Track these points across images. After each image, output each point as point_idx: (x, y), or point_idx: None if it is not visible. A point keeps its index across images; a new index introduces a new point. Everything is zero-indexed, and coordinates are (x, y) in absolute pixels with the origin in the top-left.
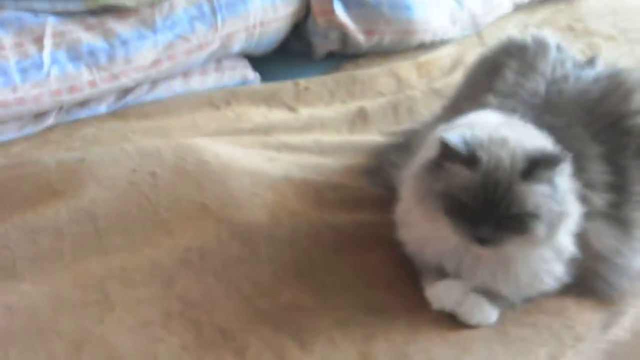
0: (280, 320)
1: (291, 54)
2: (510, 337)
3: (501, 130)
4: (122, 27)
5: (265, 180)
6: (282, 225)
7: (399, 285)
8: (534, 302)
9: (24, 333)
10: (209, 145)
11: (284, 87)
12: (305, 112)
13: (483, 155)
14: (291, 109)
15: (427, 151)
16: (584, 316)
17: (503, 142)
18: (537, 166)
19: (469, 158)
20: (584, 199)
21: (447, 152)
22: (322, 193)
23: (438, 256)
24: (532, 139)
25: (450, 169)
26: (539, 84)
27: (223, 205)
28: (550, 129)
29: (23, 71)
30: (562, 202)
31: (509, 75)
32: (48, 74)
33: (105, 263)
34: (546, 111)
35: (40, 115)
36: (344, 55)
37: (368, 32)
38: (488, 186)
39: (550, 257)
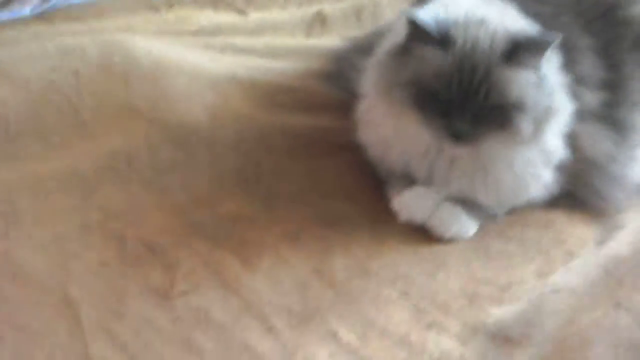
0: (218, 233)
1: None
2: (491, 252)
3: (479, 10)
4: None
5: (205, 80)
6: (224, 127)
7: (359, 196)
8: (519, 214)
9: None
10: (141, 42)
11: None
12: (256, 16)
13: (458, 35)
14: (241, 12)
15: (394, 37)
16: (576, 230)
17: (481, 22)
18: (520, 48)
19: (441, 38)
20: (575, 96)
21: (416, 32)
22: (272, 95)
23: (405, 160)
24: (514, 20)
25: (420, 52)
26: None
27: (154, 105)
28: (535, 17)
29: None
30: (551, 95)
31: None
32: None
33: (16, 170)
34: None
35: None
36: None
37: None
38: (464, 70)
39: (537, 160)
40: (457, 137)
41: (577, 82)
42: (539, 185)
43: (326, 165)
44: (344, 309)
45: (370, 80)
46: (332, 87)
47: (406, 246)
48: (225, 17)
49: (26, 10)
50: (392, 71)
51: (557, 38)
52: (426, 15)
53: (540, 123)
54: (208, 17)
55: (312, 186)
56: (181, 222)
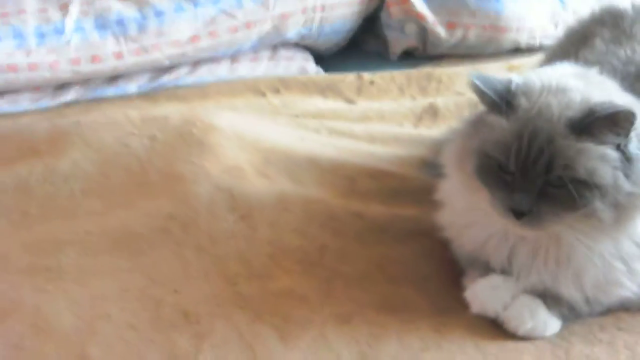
0: (264, 307)
1: (364, 54)
2: (572, 354)
3: (567, 80)
4: None
5: (282, 160)
6: (290, 211)
7: (428, 284)
8: (615, 316)
9: None
10: (226, 116)
11: (345, 78)
12: (364, 105)
13: (522, 101)
14: (350, 101)
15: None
16: None
17: (561, 90)
18: (596, 121)
19: (503, 103)
20: None
21: (481, 98)
22: (354, 181)
23: (481, 244)
24: (607, 93)
25: (487, 119)
26: (635, 53)
27: (225, 172)
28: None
29: (40, 36)
30: (638, 180)
31: (599, 44)
32: (68, 41)
33: (71, 227)
34: None
35: (59, 89)
36: (425, 57)
37: (449, 25)
38: (523, 138)
39: (632, 253)
40: (518, 213)
41: None
42: (633, 283)
43: (397, 252)
44: None
45: (448, 151)
46: (428, 174)
47: (470, 341)
48: (333, 105)
49: (132, 87)
50: (466, 140)
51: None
52: (486, 79)
53: (624, 210)
54: (314, 103)
55: (378, 271)
56: (227, 293)
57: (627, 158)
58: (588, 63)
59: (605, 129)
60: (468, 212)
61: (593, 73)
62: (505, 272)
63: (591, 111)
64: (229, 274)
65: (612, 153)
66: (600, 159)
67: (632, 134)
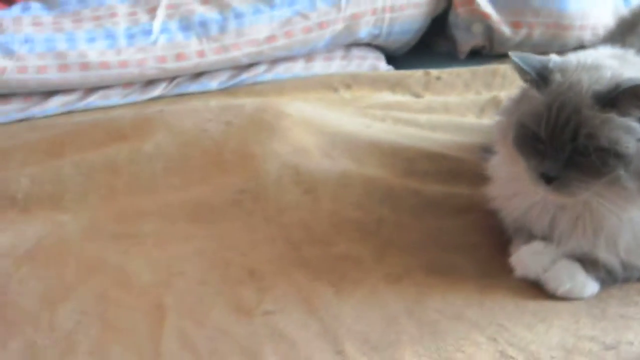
0: (322, 267)
1: (434, 53)
2: (608, 313)
3: (603, 59)
4: (239, 2)
5: (345, 143)
6: (352, 186)
7: (477, 252)
8: None
9: (43, 254)
10: (298, 103)
11: (413, 74)
12: (430, 98)
13: (557, 77)
14: (417, 95)
15: None
16: None
17: (594, 67)
18: (622, 94)
19: (539, 78)
20: None
21: (521, 73)
22: (413, 162)
23: (524, 212)
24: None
25: (527, 93)
26: None
27: (293, 152)
28: None
29: (130, 36)
30: None
31: None
32: (155, 41)
33: (153, 200)
34: None
35: (148, 85)
36: (492, 55)
37: (514, 25)
38: (552, 109)
39: None
40: (548, 178)
41: None
42: None
43: (450, 224)
44: (424, 345)
45: (495, 126)
46: (485, 158)
47: (511, 300)
48: (400, 98)
49: (214, 84)
50: (509, 114)
51: None
52: (525, 57)
53: None
54: (383, 97)
55: (431, 240)
56: (290, 255)
57: None
58: (634, 48)
59: (630, 102)
60: (512, 182)
61: (631, 54)
62: (547, 239)
63: (617, 85)
64: (293, 240)
65: (636, 125)
66: (623, 130)
67: None
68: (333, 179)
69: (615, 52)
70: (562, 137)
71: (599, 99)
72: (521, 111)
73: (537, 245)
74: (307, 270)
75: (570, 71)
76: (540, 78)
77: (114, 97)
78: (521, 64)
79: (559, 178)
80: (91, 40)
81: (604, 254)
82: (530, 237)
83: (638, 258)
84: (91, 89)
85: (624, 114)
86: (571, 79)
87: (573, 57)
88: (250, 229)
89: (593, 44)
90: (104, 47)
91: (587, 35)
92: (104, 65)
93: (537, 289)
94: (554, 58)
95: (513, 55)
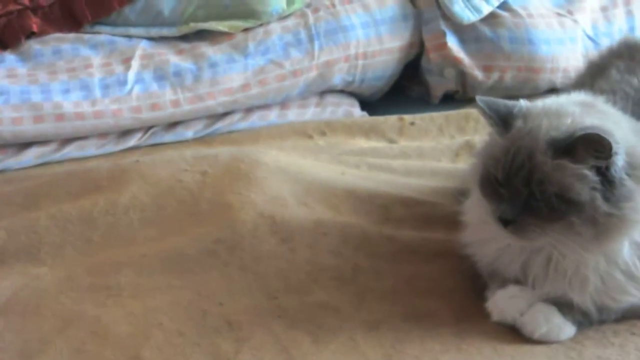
0: (300, 317)
1: (407, 99)
2: (584, 356)
3: (569, 106)
4: (213, 51)
5: (321, 192)
6: (329, 235)
7: (455, 296)
8: (631, 322)
9: (21, 308)
10: (273, 152)
11: (387, 120)
12: (405, 144)
13: (518, 122)
14: (392, 141)
15: None
16: None
17: (556, 114)
18: (576, 142)
19: (500, 123)
20: None
21: (485, 117)
22: (389, 209)
23: (496, 257)
24: (601, 119)
25: (492, 139)
26: None
27: (269, 201)
28: None
29: (105, 87)
30: (622, 203)
31: (614, 74)
32: (130, 91)
33: (130, 251)
34: None
35: (123, 135)
36: (465, 99)
37: (486, 69)
38: (509, 153)
39: (632, 262)
40: (504, 222)
41: None
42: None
43: (426, 269)
44: None
45: (470, 170)
46: (460, 202)
47: (487, 344)
48: (375, 144)
49: (189, 133)
50: (479, 158)
51: (620, 148)
52: (489, 100)
53: (604, 229)
54: (357, 143)
55: (407, 287)
56: (267, 305)
57: (608, 181)
58: (603, 92)
59: (584, 150)
60: (484, 226)
61: (600, 102)
62: (521, 282)
63: (573, 132)
64: (270, 289)
65: (590, 174)
66: (576, 177)
67: (617, 159)
68: (309, 227)
69: (585, 99)
70: (517, 182)
71: (554, 146)
72: (485, 155)
73: (512, 289)
74: (285, 320)
75: (532, 117)
76: (502, 123)
77: (90, 148)
78: (485, 109)
79: (515, 222)
80: (66, 91)
81: (577, 297)
82: (505, 281)
83: (611, 300)
84: (66, 140)
85: (578, 161)
86: (531, 125)
87: (540, 103)
88: (227, 279)
89: (566, 89)
90: (79, 98)
91: (558, 78)
92: (79, 116)
93: (514, 333)
94: (520, 103)
95: (479, 99)
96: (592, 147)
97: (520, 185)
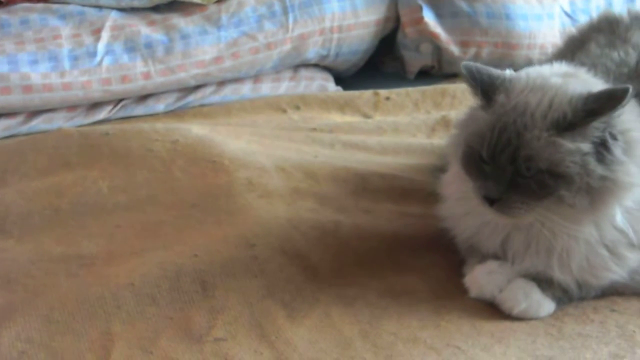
0: (278, 278)
1: (383, 74)
2: (565, 332)
3: (551, 79)
4: (185, 23)
5: (298, 164)
6: (307, 200)
7: (433, 271)
8: (610, 299)
9: None
10: (247, 131)
11: (362, 95)
12: (380, 119)
13: (502, 98)
14: (367, 116)
15: None
16: None
17: (540, 88)
18: (563, 116)
19: (483, 95)
20: None
21: (469, 86)
22: (366, 179)
23: (475, 232)
24: (586, 88)
25: (474, 113)
26: (628, 55)
27: (244, 166)
28: (637, 96)
29: (74, 58)
30: (613, 166)
31: (594, 48)
32: (100, 63)
33: (101, 221)
34: (635, 79)
35: (92, 108)
36: (441, 75)
37: (463, 44)
38: (495, 130)
39: (615, 238)
40: (490, 200)
41: None
42: (621, 269)
43: (405, 245)
44: None
45: (447, 143)
46: (438, 178)
47: (466, 320)
48: (350, 119)
49: (160, 106)
50: (460, 131)
51: (613, 108)
52: (481, 70)
53: (598, 194)
54: (332, 118)
55: (385, 256)
56: (244, 257)
57: (603, 144)
58: (583, 65)
59: (571, 124)
60: (463, 201)
61: (582, 72)
62: (500, 258)
63: (559, 108)
64: (248, 236)
65: (576, 144)
66: (568, 151)
67: (615, 119)
68: (287, 190)
69: (567, 70)
70: (503, 159)
71: (554, 123)
72: (468, 131)
73: (491, 265)
74: (261, 282)
75: (516, 91)
76: (485, 94)
77: (58, 121)
78: (469, 78)
79: (501, 200)
80: (34, 62)
81: (558, 274)
82: (484, 256)
83: (592, 277)
84: (34, 112)
85: (565, 135)
86: (517, 100)
87: (523, 75)
88: (202, 234)
89: (549, 61)
90: (47, 70)
91: (535, 54)
92: (47, 88)
93: (493, 309)
94: (504, 75)
95: (464, 66)
96: (578, 118)
97: (506, 162)
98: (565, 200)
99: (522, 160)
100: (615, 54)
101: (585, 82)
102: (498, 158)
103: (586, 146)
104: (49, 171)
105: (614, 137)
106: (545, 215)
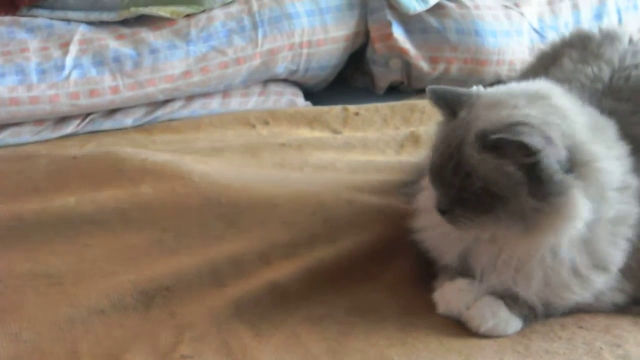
0: (246, 304)
1: (352, 89)
2: (532, 349)
3: (516, 98)
4: (154, 37)
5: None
6: (280, 206)
7: (403, 287)
8: (577, 317)
9: None
10: (212, 158)
11: (331, 110)
12: (349, 135)
13: (462, 113)
14: (336, 131)
15: None
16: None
17: (500, 105)
18: (501, 136)
19: (447, 113)
20: None
21: (434, 106)
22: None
23: (438, 244)
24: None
25: (439, 127)
26: (602, 71)
27: (214, 183)
28: (611, 113)
29: (41, 72)
30: (549, 198)
31: (567, 63)
32: (67, 77)
33: (69, 237)
34: (609, 96)
35: (60, 122)
36: (410, 90)
37: (432, 60)
38: (444, 144)
39: (578, 259)
40: (441, 211)
41: None
42: (585, 290)
43: (375, 256)
44: None
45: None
46: (403, 196)
47: (434, 338)
48: (319, 134)
49: (129, 120)
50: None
51: (551, 147)
52: (444, 91)
53: (533, 223)
54: (301, 133)
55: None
56: (216, 292)
57: (536, 175)
58: (557, 81)
59: (509, 147)
60: (432, 213)
61: (556, 92)
62: (467, 273)
63: (499, 128)
64: (220, 276)
65: (514, 169)
66: (500, 172)
67: (543, 156)
68: (258, 202)
69: (539, 90)
70: (447, 173)
71: (481, 139)
72: (432, 143)
73: (461, 282)
74: (229, 305)
75: (476, 106)
76: (450, 112)
77: (25, 135)
78: (432, 98)
79: (448, 212)
80: (1, 76)
81: (523, 291)
82: (455, 273)
83: (555, 297)
84: (1, 126)
85: (502, 156)
86: (469, 116)
87: (492, 91)
88: (174, 264)
89: (525, 76)
90: (14, 83)
91: (504, 71)
92: (14, 101)
93: (460, 326)
94: (471, 92)
95: (428, 90)
96: (514, 145)
97: (450, 176)
98: (501, 220)
99: (462, 176)
100: (588, 70)
101: (551, 107)
102: (444, 171)
103: (515, 170)
104: (17, 196)
105: (548, 172)
106: (498, 232)
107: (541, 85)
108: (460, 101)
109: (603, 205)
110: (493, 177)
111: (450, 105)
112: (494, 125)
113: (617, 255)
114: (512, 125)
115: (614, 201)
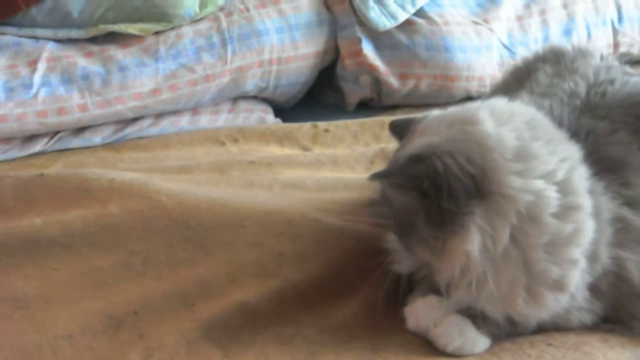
0: (215, 326)
1: (322, 106)
2: None
3: (449, 125)
4: (122, 54)
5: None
6: (247, 227)
7: (374, 306)
8: (547, 334)
9: None
10: (182, 176)
11: (301, 127)
12: (319, 152)
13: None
14: (305, 149)
15: None
16: (609, 353)
17: (429, 132)
18: (391, 171)
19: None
20: (620, 221)
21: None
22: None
23: (397, 255)
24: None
25: None
26: (578, 85)
27: (181, 203)
28: (588, 133)
29: (9, 90)
30: (441, 225)
31: (543, 77)
32: (35, 95)
33: (37, 260)
34: (587, 113)
35: (28, 140)
36: (380, 107)
37: (402, 76)
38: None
39: (524, 281)
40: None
41: (625, 205)
42: (546, 308)
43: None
44: None
45: None
46: (372, 215)
47: (403, 357)
48: (289, 152)
49: (97, 139)
50: None
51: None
52: (402, 120)
53: (437, 249)
54: (271, 150)
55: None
56: (184, 313)
57: (428, 204)
58: (535, 95)
59: (401, 178)
60: None
61: (518, 121)
62: (436, 290)
63: (403, 159)
64: (187, 297)
65: (409, 198)
66: (401, 201)
67: (438, 182)
68: (225, 222)
69: (494, 110)
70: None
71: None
72: None
73: (431, 299)
74: (198, 326)
75: (412, 135)
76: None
77: None
78: (391, 131)
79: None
80: None
81: (489, 310)
82: (427, 289)
83: (520, 316)
84: None
85: (399, 187)
86: (404, 144)
87: (430, 117)
88: (142, 289)
89: (495, 92)
90: None
91: (473, 87)
92: None
93: (430, 345)
94: (417, 118)
95: (389, 125)
96: (404, 176)
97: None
98: (412, 245)
99: (382, 201)
100: (565, 85)
101: (465, 134)
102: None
103: (410, 200)
104: None
105: (463, 196)
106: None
107: (477, 108)
108: (408, 129)
109: (532, 228)
110: (397, 206)
111: (402, 134)
112: (403, 156)
113: (568, 276)
114: (410, 157)
115: (547, 223)
